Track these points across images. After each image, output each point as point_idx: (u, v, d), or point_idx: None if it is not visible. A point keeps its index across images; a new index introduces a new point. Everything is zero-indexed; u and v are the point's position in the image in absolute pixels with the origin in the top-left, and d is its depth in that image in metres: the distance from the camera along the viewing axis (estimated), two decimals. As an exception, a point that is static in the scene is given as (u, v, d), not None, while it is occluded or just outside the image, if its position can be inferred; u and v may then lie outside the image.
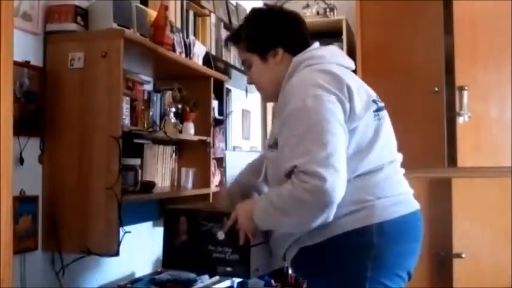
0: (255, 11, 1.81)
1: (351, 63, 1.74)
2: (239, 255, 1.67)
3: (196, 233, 1.73)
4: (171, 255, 1.81)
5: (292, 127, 1.49)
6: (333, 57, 1.68)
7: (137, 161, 2.16)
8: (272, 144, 1.63)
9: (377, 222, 1.51)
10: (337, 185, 1.41)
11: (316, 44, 1.75)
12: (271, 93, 1.75)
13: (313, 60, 1.65)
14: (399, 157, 1.71)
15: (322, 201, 1.41)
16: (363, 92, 1.60)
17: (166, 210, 1.86)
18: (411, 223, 1.61)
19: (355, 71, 1.77)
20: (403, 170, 1.70)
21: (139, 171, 2.19)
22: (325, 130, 1.45)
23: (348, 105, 1.51)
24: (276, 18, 1.75)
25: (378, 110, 1.63)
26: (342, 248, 1.52)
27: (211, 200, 2.60)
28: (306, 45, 1.72)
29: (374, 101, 1.63)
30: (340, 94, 1.51)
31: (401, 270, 1.57)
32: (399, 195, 1.60)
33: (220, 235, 1.68)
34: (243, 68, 1.87)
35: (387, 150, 1.63)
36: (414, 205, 1.65)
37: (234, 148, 3.59)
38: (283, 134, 1.52)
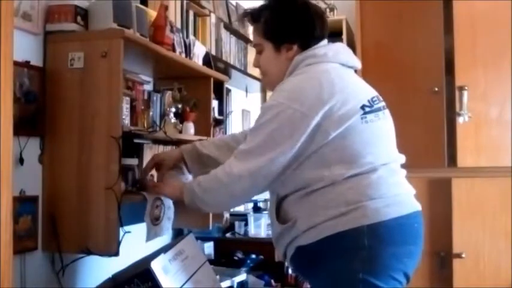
0: None
1: (355, 62, 1.72)
2: None
3: None
4: None
5: (257, 120, 1.66)
6: (335, 56, 1.67)
7: (136, 161, 2.17)
8: None
9: (368, 223, 1.50)
10: (244, 173, 1.61)
11: (324, 42, 1.73)
12: (274, 83, 1.75)
13: (314, 58, 1.65)
14: (399, 158, 1.69)
15: (229, 180, 1.65)
16: (353, 96, 1.60)
17: None
18: (407, 225, 1.58)
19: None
20: (404, 171, 1.69)
21: (138, 172, 2.19)
22: (269, 134, 1.58)
23: (315, 120, 1.55)
24: (301, 12, 1.71)
25: (373, 111, 1.61)
26: (334, 249, 1.52)
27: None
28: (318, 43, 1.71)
29: (369, 103, 1.62)
30: (312, 110, 1.55)
31: (396, 273, 1.54)
32: (394, 197, 1.58)
33: None
34: (253, 46, 1.93)
35: (382, 152, 1.62)
36: (412, 206, 1.63)
37: (234, 148, 3.58)
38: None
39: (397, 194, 1.60)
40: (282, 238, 1.64)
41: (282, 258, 1.72)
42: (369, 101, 1.63)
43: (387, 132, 1.68)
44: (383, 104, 1.69)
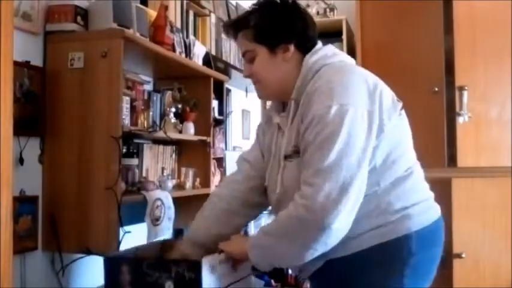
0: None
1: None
2: None
3: (140, 285, 1.54)
4: None
5: (313, 133, 1.39)
6: (341, 54, 1.60)
7: (136, 161, 2.17)
8: (291, 153, 1.49)
9: (416, 230, 1.45)
10: (333, 194, 1.31)
11: (320, 44, 1.63)
12: (271, 90, 1.60)
13: (330, 58, 1.54)
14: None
15: (316, 215, 1.31)
16: (388, 90, 1.52)
17: (106, 259, 1.65)
18: (440, 228, 1.56)
19: None
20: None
21: (138, 172, 2.20)
22: (340, 142, 1.35)
23: (377, 114, 1.42)
24: (292, 12, 1.59)
25: (401, 108, 1.54)
26: (382, 257, 1.44)
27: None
28: (314, 46, 1.59)
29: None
30: (371, 104, 1.41)
31: (431, 274, 1.53)
32: (431, 199, 1.55)
33: (169, 286, 1.51)
34: (242, 55, 1.68)
35: (412, 149, 1.57)
36: (439, 209, 1.58)
37: (234, 148, 3.59)
38: (306, 139, 1.41)
39: (431, 196, 1.57)
40: None
41: (295, 272, 1.60)
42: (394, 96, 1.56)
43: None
44: None
